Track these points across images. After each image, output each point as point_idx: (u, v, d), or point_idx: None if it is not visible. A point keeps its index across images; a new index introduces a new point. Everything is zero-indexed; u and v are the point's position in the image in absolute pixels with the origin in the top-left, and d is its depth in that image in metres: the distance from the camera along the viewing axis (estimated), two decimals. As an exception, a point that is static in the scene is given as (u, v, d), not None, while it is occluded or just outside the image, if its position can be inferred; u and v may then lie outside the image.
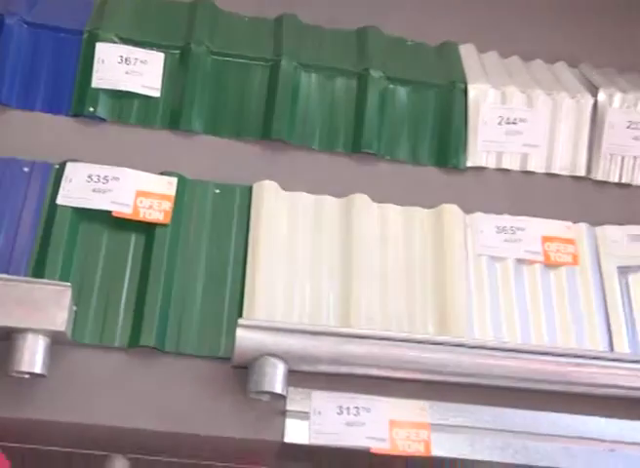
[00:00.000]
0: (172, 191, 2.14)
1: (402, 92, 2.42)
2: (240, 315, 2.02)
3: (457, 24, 2.66)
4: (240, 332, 1.93)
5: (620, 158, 2.48)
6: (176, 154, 2.26)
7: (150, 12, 2.43)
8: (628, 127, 2.46)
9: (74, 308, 1.94)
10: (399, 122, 2.40)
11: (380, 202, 2.29)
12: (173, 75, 2.31)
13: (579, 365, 2.10)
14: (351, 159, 2.36)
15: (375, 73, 2.37)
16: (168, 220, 2.09)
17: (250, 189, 2.23)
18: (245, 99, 2.35)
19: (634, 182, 2.49)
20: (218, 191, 2.21)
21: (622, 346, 2.21)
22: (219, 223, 2.18)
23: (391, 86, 2.41)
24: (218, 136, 2.32)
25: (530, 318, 2.21)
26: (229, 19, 2.48)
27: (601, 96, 2.47)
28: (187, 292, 2.06)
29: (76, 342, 1.95)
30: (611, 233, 2.37)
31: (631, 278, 2.32)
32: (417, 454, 1.96)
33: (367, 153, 2.35)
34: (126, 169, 2.15)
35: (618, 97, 2.47)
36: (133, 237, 2.11)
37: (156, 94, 2.29)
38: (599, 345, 2.20)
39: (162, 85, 2.30)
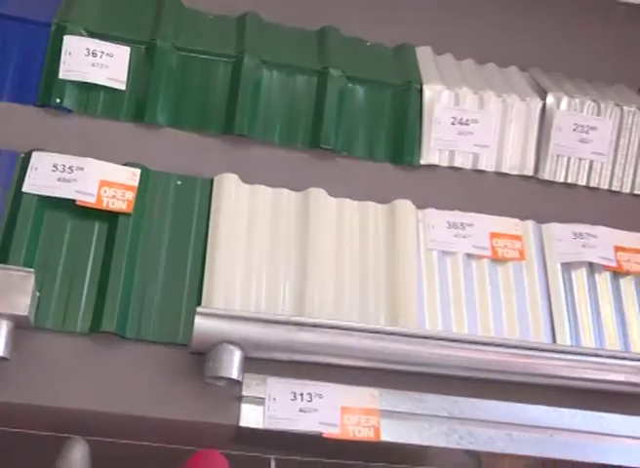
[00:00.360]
0: (135, 182, 2.14)
1: (360, 90, 2.43)
2: (199, 303, 2.03)
3: (414, 27, 2.66)
4: (198, 320, 1.94)
5: (566, 159, 2.50)
6: (140, 146, 2.26)
7: (117, 6, 2.42)
8: (574, 129, 2.49)
9: (37, 294, 1.94)
10: (356, 120, 2.41)
11: (336, 196, 2.30)
12: (138, 69, 2.30)
13: (522, 355, 2.13)
14: (310, 154, 2.37)
15: (334, 72, 2.38)
16: (130, 210, 2.10)
17: (211, 181, 2.24)
18: (208, 94, 2.35)
19: (579, 183, 2.52)
20: (180, 183, 2.22)
21: (564, 338, 2.24)
22: (180, 214, 2.18)
23: (350, 85, 2.41)
24: (181, 129, 2.31)
25: (477, 310, 2.23)
26: (194, 16, 2.47)
27: (549, 99, 2.49)
28: (148, 279, 2.07)
29: (39, 327, 1.95)
30: (556, 231, 2.39)
31: (574, 274, 2.35)
32: (366, 439, 1.98)
33: (325, 149, 2.36)
34: (91, 159, 2.14)
35: (565, 100, 2.49)
36: (96, 225, 2.11)
37: (122, 86, 2.28)
38: (542, 337, 2.23)
39: (128, 78, 2.29)
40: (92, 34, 2.29)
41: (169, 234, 2.15)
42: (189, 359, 1.99)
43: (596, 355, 2.18)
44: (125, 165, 2.17)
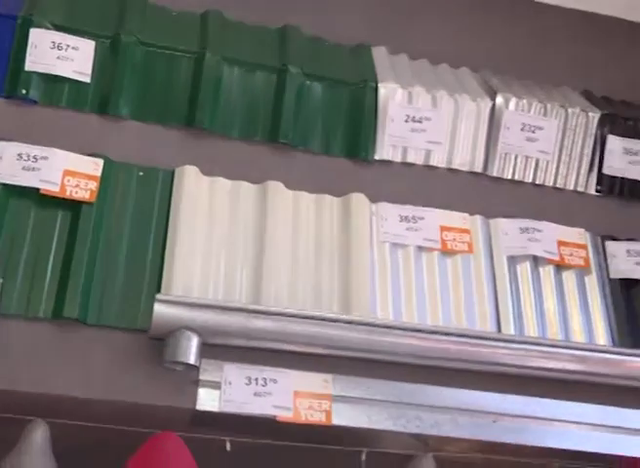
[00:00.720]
0: (98, 172, 2.14)
1: (318, 88, 2.44)
2: (158, 290, 2.04)
3: (371, 28, 2.68)
4: (157, 307, 1.96)
5: (513, 157, 2.53)
6: (103, 137, 2.26)
7: (83, 1, 2.41)
8: (522, 129, 2.52)
9: (0, 280, 1.93)
10: (314, 116, 2.42)
11: (293, 189, 2.31)
12: (103, 62, 2.30)
13: (468, 344, 2.16)
14: (268, 148, 2.38)
15: (293, 69, 2.39)
16: (93, 199, 2.11)
17: (172, 173, 2.24)
18: (171, 88, 2.35)
19: (526, 180, 2.55)
20: (141, 174, 2.22)
21: (509, 328, 2.27)
22: (141, 204, 2.19)
23: (308, 82, 2.42)
24: (144, 121, 2.32)
25: (427, 300, 2.26)
26: (158, 11, 2.46)
27: (499, 99, 2.51)
28: (110, 267, 2.08)
29: (2, 313, 1.95)
30: (503, 225, 2.43)
31: (519, 267, 2.39)
32: (318, 423, 2.01)
33: (283, 143, 2.37)
34: (55, 149, 2.15)
35: (513, 101, 2.52)
36: (59, 214, 2.11)
37: (86, 79, 2.28)
38: (488, 326, 2.26)
39: (92, 71, 2.29)
40: (58, 27, 2.29)
41: (130, 223, 2.15)
42: (149, 344, 2.00)
43: (538, 344, 2.22)
44: (89, 155, 2.17)
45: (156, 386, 1.98)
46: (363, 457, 2.16)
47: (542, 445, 2.18)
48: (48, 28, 2.26)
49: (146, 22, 2.38)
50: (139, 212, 2.17)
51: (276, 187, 2.28)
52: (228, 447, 2.09)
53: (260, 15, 2.56)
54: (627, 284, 2.45)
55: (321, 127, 2.42)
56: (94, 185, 2.11)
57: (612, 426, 2.23)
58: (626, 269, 2.46)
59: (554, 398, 2.21)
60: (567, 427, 2.20)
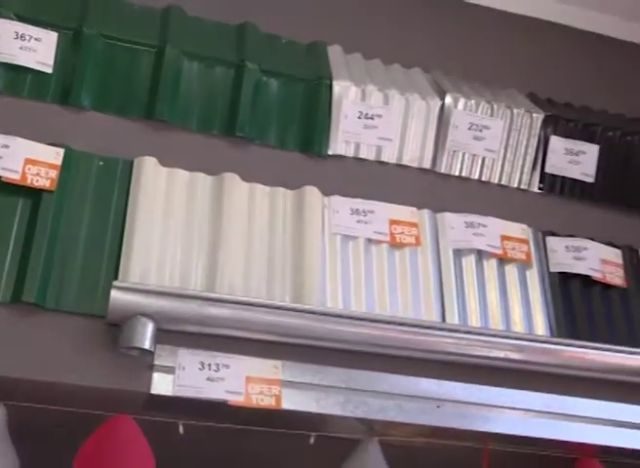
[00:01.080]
0: (58, 161, 2.14)
1: (274, 83, 2.44)
2: (116, 277, 2.05)
3: (327, 27, 2.69)
4: (114, 293, 1.97)
5: (461, 154, 2.56)
6: (64, 127, 2.25)
7: (47, -7, 2.39)
8: (469, 128, 2.54)
9: (-39, 265, 1.93)
10: (270, 111, 2.42)
11: (248, 181, 2.32)
12: (65, 54, 2.29)
13: (414, 333, 2.19)
14: (225, 141, 2.38)
15: (250, 65, 2.39)
16: (54, 187, 2.10)
17: (131, 163, 2.24)
18: (131, 81, 2.34)
19: (472, 176, 2.58)
20: (101, 163, 2.22)
21: (453, 318, 2.31)
22: (101, 193, 2.19)
23: (265, 78, 2.42)
24: (104, 112, 2.31)
25: (375, 291, 2.28)
26: (120, 5, 2.45)
27: (448, 99, 2.53)
28: (69, 254, 2.08)
29: (-39, 297, 1.94)
30: (449, 220, 2.45)
31: (464, 260, 2.42)
32: (268, 407, 2.03)
33: (240, 137, 2.37)
34: (16, 137, 2.14)
35: (462, 101, 2.55)
36: (20, 201, 2.10)
37: (49, 70, 2.27)
38: (433, 316, 2.29)
39: (54, 62, 2.27)
40: (21, 18, 2.27)
41: (89, 211, 2.15)
42: (105, 329, 2.01)
43: (481, 334, 2.26)
44: (50, 144, 2.17)
45: (112, 370, 1.98)
46: (311, 441, 2.19)
47: (483, 429, 2.21)
48: (11, 19, 2.25)
49: (108, 16, 2.37)
50: (98, 200, 2.16)
51: (232, 179, 2.28)
52: (181, 429, 2.11)
53: (219, 12, 2.56)
54: (566, 277, 2.49)
55: (277, 122, 2.42)
56: (54, 174, 2.11)
57: (550, 412, 2.27)
58: (565, 263, 2.50)
59: (495, 385, 2.24)
60: (507, 413, 2.24)
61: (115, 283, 1.98)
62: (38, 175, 2.10)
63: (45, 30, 2.28)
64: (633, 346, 2.39)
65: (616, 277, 2.54)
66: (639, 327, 2.49)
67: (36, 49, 2.26)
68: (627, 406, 2.32)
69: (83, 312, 2.01)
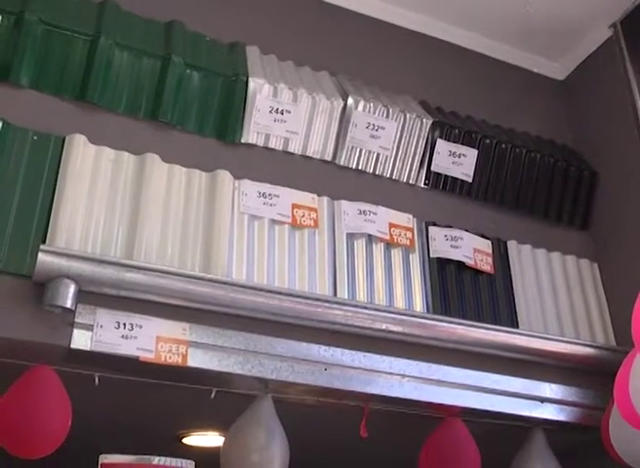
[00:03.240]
0: (-5, 133, 2.11)
1: (196, 76, 2.44)
2: (44, 242, 2.04)
3: (247, 29, 2.70)
4: (41, 256, 1.97)
5: (358, 150, 2.60)
6: (2, 102, 2.21)
7: (-9, -20, 2.34)
8: (367, 127, 2.58)
9: None
10: (191, 100, 2.43)
11: (168, 162, 2.33)
12: (7, 36, 2.25)
13: (309, 304, 2.25)
14: (150, 124, 2.38)
15: (176, 59, 2.39)
16: (-10, 156, 2.07)
17: (63, 139, 2.23)
18: (67, 65, 2.31)
19: (367, 170, 2.63)
20: (36, 138, 2.20)
21: (343, 293, 2.36)
22: (33, 165, 2.17)
23: (188, 71, 2.42)
24: (41, 92, 2.28)
25: (276, 266, 2.32)
26: (60, -4, 2.42)
27: (350, 100, 2.57)
28: (1, 218, 2.05)
29: None
30: (345, 207, 2.50)
31: (356, 243, 2.47)
32: (175, 364, 2.06)
33: (162, 122, 2.38)
34: (-45, 111, 2.09)
35: (362, 103, 2.58)
36: (-44, 168, 2.07)
37: (-10, 50, 2.22)
38: (326, 291, 2.34)
39: (-3, 42, 2.23)
40: (-36, 1, 2.22)
41: (22, 181, 2.13)
42: (32, 288, 2.00)
43: (366, 307, 2.32)
44: (-13, 119, 2.13)
45: (37, 326, 1.98)
46: (213, 395, 2.21)
47: (365, 391, 2.27)
48: (-46, 0, 2.20)
49: (49, 5, 2.34)
50: (30, 171, 2.15)
51: (153, 159, 2.30)
52: (97, 381, 2.11)
53: (150, 9, 2.54)
54: (443, 262, 2.57)
55: (196, 110, 2.43)
56: (-9, 145, 2.08)
57: (423, 378, 2.34)
58: (443, 250, 2.58)
59: (376, 353, 2.31)
60: (386, 377, 2.30)
61: (42, 247, 1.99)
62: (-24, 145, 2.07)
63: (-12, 13, 2.24)
64: (496, 324, 2.51)
65: (485, 264, 2.62)
66: (502, 307, 2.59)
67: (-21, 30, 2.21)
68: (489, 374, 2.42)
69: (12, 272, 2.01)
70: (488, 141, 2.75)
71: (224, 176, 2.36)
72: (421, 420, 2.43)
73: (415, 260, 2.53)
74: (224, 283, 2.15)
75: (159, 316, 2.08)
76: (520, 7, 2.89)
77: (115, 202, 2.20)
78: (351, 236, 2.46)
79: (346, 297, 2.34)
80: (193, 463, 1.82)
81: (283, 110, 2.47)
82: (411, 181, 2.67)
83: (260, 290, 2.20)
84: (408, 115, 2.63)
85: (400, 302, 2.43)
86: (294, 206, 2.41)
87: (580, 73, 3.16)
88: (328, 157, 2.57)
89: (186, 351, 2.08)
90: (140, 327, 2.05)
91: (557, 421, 2.49)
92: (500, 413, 2.41)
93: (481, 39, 3.10)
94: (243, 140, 2.46)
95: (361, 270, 2.42)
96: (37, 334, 1.98)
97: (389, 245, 2.51)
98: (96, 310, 2.03)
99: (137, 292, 2.07)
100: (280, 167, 2.49)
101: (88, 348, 2.00)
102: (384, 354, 2.31)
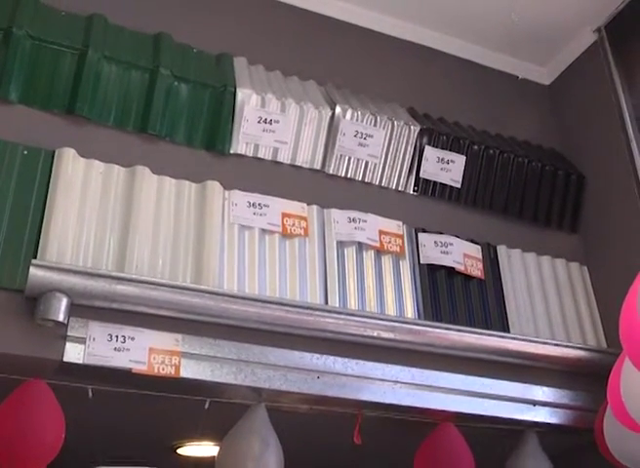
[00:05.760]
0: (-15, 148, 2.11)
1: (184, 88, 2.44)
2: (35, 256, 2.05)
3: (235, 40, 2.70)
4: (33, 270, 1.97)
5: (347, 158, 2.61)
6: (-8, 118, 2.22)
7: (-20, -5, 2.34)
8: (355, 135, 2.59)
9: None
10: (180, 112, 2.43)
11: (158, 174, 2.34)
12: None
13: (300, 313, 2.25)
14: (138, 137, 2.38)
15: (164, 71, 2.40)
16: (-19, 171, 2.08)
17: (53, 153, 2.23)
18: (56, 78, 2.31)
19: (356, 178, 2.64)
20: (26, 152, 2.20)
21: (334, 301, 2.37)
22: (24, 179, 2.17)
23: (176, 83, 2.43)
24: (30, 106, 2.28)
25: (267, 275, 2.32)
26: (48, 10, 2.42)
27: (338, 109, 2.58)
28: (-8, 232, 2.06)
29: None
30: (335, 215, 2.51)
31: (346, 250, 2.48)
32: (168, 375, 2.06)
33: (151, 134, 2.38)
34: (-55, 126, 2.10)
35: (350, 112, 2.59)
36: (-52, 184, 2.07)
37: (-22, 64, 2.22)
38: (317, 299, 2.35)
39: (-15, 58, 2.23)
40: (-48, 16, 2.23)
41: (13, 195, 2.13)
42: (24, 302, 2.01)
43: (357, 315, 2.33)
44: (-23, 134, 2.14)
45: (29, 340, 1.98)
46: (206, 405, 2.21)
47: (357, 398, 2.28)
48: (-58, 16, 2.20)
49: (37, 19, 2.34)
50: (21, 186, 2.15)
51: (143, 171, 2.30)
52: (90, 394, 2.11)
53: (138, 22, 2.55)
54: (433, 268, 2.58)
55: (185, 122, 2.43)
56: (-18, 160, 2.09)
57: (415, 384, 2.35)
58: (433, 257, 2.59)
59: (369, 360, 2.31)
60: (378, 384, 2.31)
61: (34, 261, 1.99)
62: (-35, 161, 2.07)
63: (-24, 29, 2.24)
64: (488, 328, 2.52)
65: (475, 269, 2.64)
66: (493, 312, 2.61)
67: (-33, 45, 2.21)
68: (480, 379, 2.43)
69: (4, 287, 2.01)
70: (476, 147, 2.77)
71: (214, 187, 2.36)
72: (415, 426, 2.44)
73: (405, 267, 2.54)
74: (216, 293, 2.16)
75: (151, 328, 2.09)
76: (506, 14, 2.91)
77: (106, 215, 2.21)
78: (341, 244, 2.47)
79: (338, 305, 2.35)
80: (188, 474, 1.83)
81: (271, 120, 2.48)
82: (400, 188, 2.68)
83: (252, 299, 2.20)
84: (396, 123, 2.64)
85: (391, 309, 2.44)
86: (284, 215, 2.42)
87: (565, 78, 3.18)
88: (317, 166, 2.58)
89: (179, 362, 2.08)
90: (133, 339, 2.05)
91: (550, 424, 2.50)
92: (492, 417, 2.42)
93: (467, 46, 3.12)
94: (232, 151, 2.46)
95: (352, 278, 2.43)
96: (30, 349, 1.98)
97: (380, 252, 2.52)
98: (88, 323, 2.04)
99: (128, 305, 2.08)
100: (269, 176, 2.50)
101: (81, 361, 2.00)
102: (377, 361, 2.32)
